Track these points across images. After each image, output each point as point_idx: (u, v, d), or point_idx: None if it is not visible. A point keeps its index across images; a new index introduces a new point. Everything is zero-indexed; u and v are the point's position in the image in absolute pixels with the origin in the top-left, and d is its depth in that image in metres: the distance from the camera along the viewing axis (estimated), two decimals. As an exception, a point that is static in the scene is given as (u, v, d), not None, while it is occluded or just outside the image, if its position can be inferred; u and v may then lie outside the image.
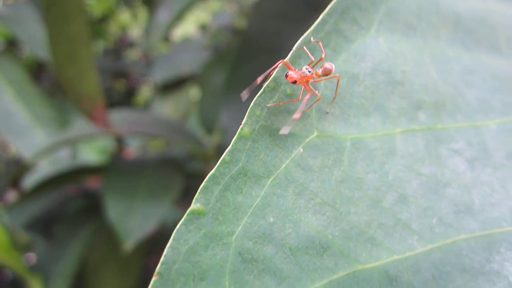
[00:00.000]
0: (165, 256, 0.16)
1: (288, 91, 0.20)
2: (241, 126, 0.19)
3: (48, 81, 1.13)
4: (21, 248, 0.82)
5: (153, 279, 0.16)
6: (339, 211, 0.20)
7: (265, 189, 0.19)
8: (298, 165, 0.20)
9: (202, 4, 1.41)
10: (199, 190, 0.17)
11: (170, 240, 0.16)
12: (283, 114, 0.20)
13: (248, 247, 0.18)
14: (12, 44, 1.15)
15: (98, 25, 1.24)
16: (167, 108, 1.00)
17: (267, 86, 0.19)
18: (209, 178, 0.18)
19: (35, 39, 0.86)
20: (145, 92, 1.34)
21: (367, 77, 0.22)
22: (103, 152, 0.94)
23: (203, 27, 1.29)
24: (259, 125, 0.19)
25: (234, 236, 0.18)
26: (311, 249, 0.19)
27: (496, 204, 0.21)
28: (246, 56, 0.59)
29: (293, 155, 0.20)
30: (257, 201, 0.19)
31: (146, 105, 1.15)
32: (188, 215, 0.17)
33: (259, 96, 0.19)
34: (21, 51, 1.21)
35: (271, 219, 0.19)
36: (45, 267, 0.80)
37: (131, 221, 0.68)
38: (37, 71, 1.17)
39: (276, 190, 0.19)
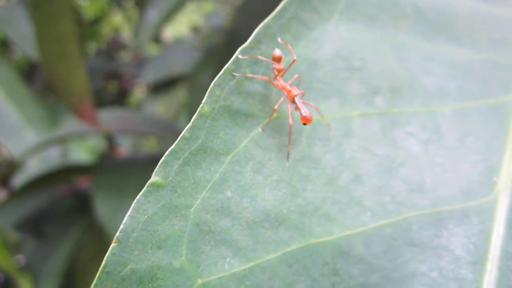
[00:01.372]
0: (124, 224, 0.17)
1: (249, 73, 0.22)
2: (201, 105, 0.20)
3: (41, 82, 1.14)
4: (11, 247, 0.83)
5: (112, 245, 0.17)
6: (296, 188, 0.21)
7: (224, 165, 0.20)
8: (257, 144, 0.21)
9: (195, 6, 1.43)
10: (159, 164, 0.19)
11: (130, 210, 0.18)
12: (243, 96, 0.21)
13: (206, 219, 0.19)
14: (4, 45, 1.17)
15: (90, 26, 1.26)
16: (159, 108, 1.01)
17: (228, 67, 0.21)
18: (169, 153, 0.19)
19: (27, 40, 0.87)
20: (138, 94, 1.36)
21: (327, 63, 0.24)
22: (94, 152, 0.95)
23: (195, 29, 1.31)
24: (219, 104, 0.20)
25: (193, 208, 0.19)
26: (266, 223, 0.20)
27: (447, 184, 0.23)
28: (232, 55, 0.60)
29: (252, 134, 0.21)
30: (216, 177, 0.20)
31: (139, 106, 1.17)
32: (147, 187, 0.18)
33: (219, 77, 0.21)
34: (14, 52, 1.22)
35: (229, 194, 0.20)
36: (35, 267, 0.81)
37: (120, 219, 0.69)
38: (29, 72, 1.19)
39: (234, 167, 0.20)
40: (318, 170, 0.22)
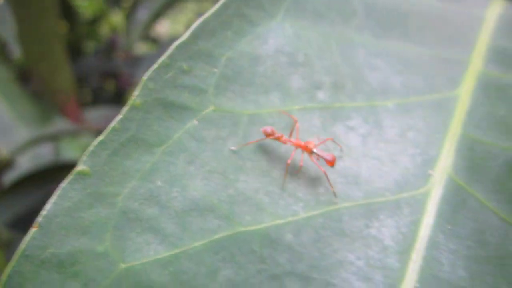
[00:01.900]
0: (47, 210, 0.18)
1: (185, 67, 0.23)
2: (133, 98, 0.21)
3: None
4: (3, 245, 0.85)
5: (32, 230, 0.18)
6: (229, 178, 0.22)
7: (156, 156, 0.21)
8: (191, 136, 0.22)
9: (195, 6, 1.44)
10: (86, 153, 0.20)
11: (54, 197, 0.19)
12: (178, 89, 0.22)
13: (134, 208, 0.20)
14: (3, 46, 1.19)
15: (89, 26, 1.28)
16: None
17: (163, 61, 0.22)
18: (98, 143, 0.20)
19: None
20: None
21: (269, 58, 0.25)
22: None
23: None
24: (152, 97, 0.21)
25: (120, 197, 0.20)
26: (195, 212, 0.21)
27: (382, 176, 0.24)
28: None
29: (187, 126, 0.22)
30: (147, 167, 0.21)
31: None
32: (73, 175, 0.19)
33: (153, 71, 0.22)
34: (13, 52, 1.25)
35: (159, 183, 0.21)
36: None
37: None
38: (27, 71, 1.21)
39: (167, 158, 0.21)
40: (254, 162, 0.23)
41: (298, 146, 0.24)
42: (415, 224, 0.22)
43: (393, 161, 0.24)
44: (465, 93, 0.27)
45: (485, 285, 0.20)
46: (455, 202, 0.22)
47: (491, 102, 0.26)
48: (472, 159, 0.24)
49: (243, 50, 0.24)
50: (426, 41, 0.29)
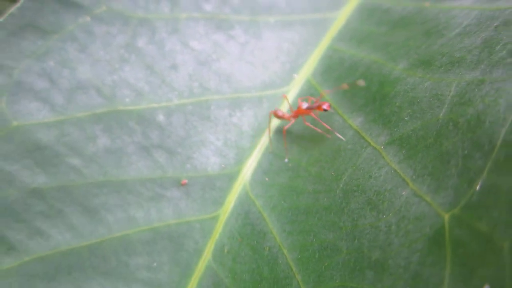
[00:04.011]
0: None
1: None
2: (32, -9, 0.26)
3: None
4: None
5: None
6: (114, 66, 0.28)
7: (50, 42, 0.27)
8: (83, 29, 0.28)
9: None
10: (-14, 32, 0.25)
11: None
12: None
13: (28, 80, 0.26)
14: None
15: None
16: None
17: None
18: (-2, 24, 0.25)
19: None
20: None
21: (163, -27, 0.30)
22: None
23: None
24: (48, -7, 0.27)
25: (16, 70, 0.26)
26: (81, 90, 0.26)
27: (252, 77, 0.29)
28: None
29: (80, 21, 0.28)
30: (41, 50, 0.26)
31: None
32: (-26, 47, 0.25)
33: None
34: None
35: (52, 64, 0.26)
36: None
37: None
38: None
39: (60, 44, 0.27)
40: (139, 57, 0.28)
41: (318, 109, 0.27)
42: (269, 114, 0.28)
43: (264, 66, 0.30)
44: (343, 14, 0.32)
45: (309, 152, 0.26)
46: (304, 96, 0.28)
47: (361, 21, 0.31)
48: (328, 64, 0.29)
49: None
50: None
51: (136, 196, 0.25)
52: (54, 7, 0.27)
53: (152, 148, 0.27)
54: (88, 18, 0.28)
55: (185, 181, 0.26)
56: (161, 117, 0.27)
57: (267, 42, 0.31)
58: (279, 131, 0.28)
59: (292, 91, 0.29)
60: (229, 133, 0.28)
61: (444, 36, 0.24)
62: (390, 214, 0.19)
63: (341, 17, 0.32)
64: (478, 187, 0.16)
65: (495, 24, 0.22)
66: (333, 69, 0.28)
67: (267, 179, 0.26)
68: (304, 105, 0.27)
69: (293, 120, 0.27)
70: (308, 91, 0.29)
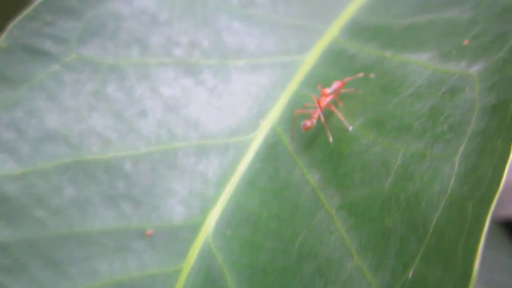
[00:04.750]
0: None
1: (49, 19, 0.29)
2: None
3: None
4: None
5: None
6: (82, 115, 0.28)
7: (19, 92, 0.27)
8: (53, 78, 0.28)
9: None
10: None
11: None
12: (42, 38, 0.28)
13: (-5, 132, 0.27)
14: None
15: None
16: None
17: (27, 13, 0.28)
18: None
19: None
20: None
21: (133, 18, 0.31)
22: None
23: None
24: (17, 42, 0.28)
25: (-16, 122, 0.26)
26: (49, 140, 0.27)
27: (219, 123, 0.30)
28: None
29: (49, 70, 0.28)
30: (10, 100, 0.27)
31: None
32: None
33: (19, 21, 0.28)
34: None
35: (20, 114, 0.27)
36: None
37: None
38: None
39: (29, 94, 0.28)
40: (107, 104, 0.29)
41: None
42: (235, 163, 0.29)
43: (232, 111, 0.31)
44: (311, 57, 0.33)
45: (270, 205, 0.27)
46: (269, 146, 0.29)
47: (327, 66, 0.32)
48: (292, 111, 0.30)
49: (107, 9, 0.30)
50: (291, 12, 0.35)
51: (101, 247, 0.26)
52: (23, 57, 0.28)
53: (119, 197, 0.28)
54: (57, 67, 0.29)
55: (150, 231, 0.27)
56: (128, 166, 0.28)
57: (235, 86, 0.31)
58: (249, 178, 0.29)
59: (258, 138, 0.30)
60: (195, 181, 0.29)
61: (398, 95, 0.25)
62: (337, 287, 0.20)
63: (309, 60, 0.33)
64: (410, 274, 0.17)
65: (443, 90, 0.23)
66: (297, 117, 0.29)
67: (229, 232, 0.27)
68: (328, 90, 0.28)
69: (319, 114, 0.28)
70: (273, 139, 0.30)
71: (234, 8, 0.34)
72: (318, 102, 0.28)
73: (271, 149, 0.29)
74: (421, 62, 0.26)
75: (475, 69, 0.22)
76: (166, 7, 0.32)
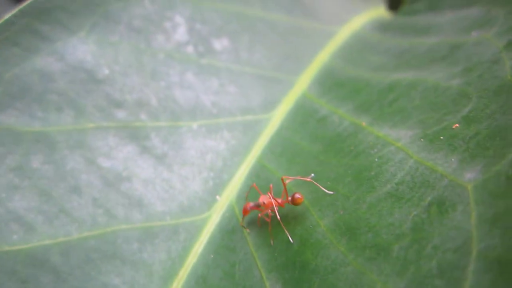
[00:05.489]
0: None
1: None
2: None
3: None
4: None
5: None
6: (0, 197, 0.24)
7: None
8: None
9: None
10: None
11: None
12: None
13: None
14: None
15: None
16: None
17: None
18: None
19: None
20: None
21: (65, 75, 0.26)
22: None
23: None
24: None
25: None
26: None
27: (167, 200, 0.26)
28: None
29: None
30: None
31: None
32: None
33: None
34: None
35: None
36: None
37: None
38: None
39: None
40: (31, 181, 0.25)
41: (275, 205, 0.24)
42: (185, 251, 0.25)
43: (184, 184, 0.26)
44: (276, 117, 0.29)
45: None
46: (225, 231, 0.25)
47: (295, 128, 0.28)
48: (252, 182, 0.26)
49: (34, 66, 0.26)
50: (255, 59, 0.31)
51: None
52: None
53: (43, 298, 0.23)
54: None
55: None
56: (56, 257, 0.24)
57: (188, 153, 0.27)
58: (201, 273, 0.24)
59: (213, 218, 0.26)
60: (137, 273, 0.24)
61: (374, 192, 0.21)
62: None
63: (275, 120, 0.29)
64: None
65: (429, 199, 0.19)
66: (261, 191, 0.25)
67: None
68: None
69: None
70: (230, 222, 0.25)
71: (188, 58, 0.29)
72: (268, 204, 0.24)
73: (227, 235, 0.25)
74: (401, 145, 0.22)
75: (470, 177, 0.18)
76: (107, 61, 0.28)
